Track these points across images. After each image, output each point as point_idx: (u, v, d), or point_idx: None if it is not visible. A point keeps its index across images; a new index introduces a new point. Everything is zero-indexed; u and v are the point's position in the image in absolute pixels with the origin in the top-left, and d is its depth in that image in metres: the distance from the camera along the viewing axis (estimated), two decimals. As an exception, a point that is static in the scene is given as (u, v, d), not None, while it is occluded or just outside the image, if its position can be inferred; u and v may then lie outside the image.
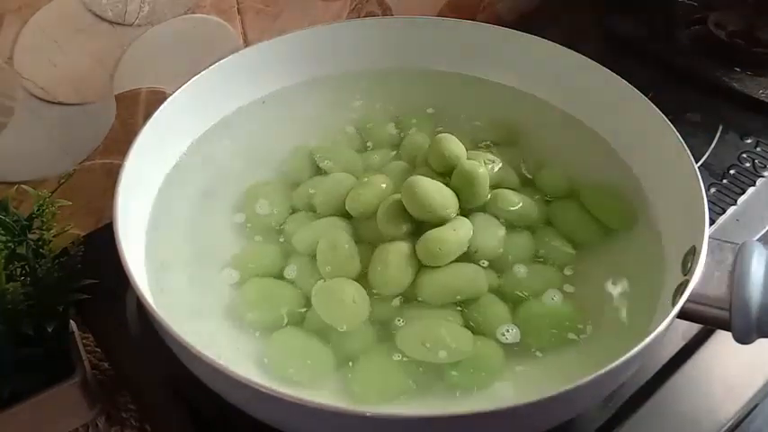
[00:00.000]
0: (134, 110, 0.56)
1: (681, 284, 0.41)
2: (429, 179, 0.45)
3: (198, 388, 0.39)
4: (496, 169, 0.50)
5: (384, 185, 0.47)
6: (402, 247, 0.44)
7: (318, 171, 0.52)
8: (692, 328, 0.48)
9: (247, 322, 0.43)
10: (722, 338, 0.47)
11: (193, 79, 0.52)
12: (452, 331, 0.41)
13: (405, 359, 0.41)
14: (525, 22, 0.73)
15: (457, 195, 0.46)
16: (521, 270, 0.45)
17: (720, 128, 0.63)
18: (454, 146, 0.48)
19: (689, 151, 0.45)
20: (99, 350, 0.52)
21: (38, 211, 0.44)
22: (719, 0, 0.75)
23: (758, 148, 0.61)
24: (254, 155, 0.54)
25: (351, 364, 0.41)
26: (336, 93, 0.58)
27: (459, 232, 0.44)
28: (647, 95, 0.50)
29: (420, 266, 0.44)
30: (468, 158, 0.49)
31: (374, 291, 0.44)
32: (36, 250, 0.44)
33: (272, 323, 0.43)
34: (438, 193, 0.44)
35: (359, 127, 0.56)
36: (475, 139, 0.54)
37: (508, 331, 0.42)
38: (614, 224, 0.48)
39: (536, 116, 0.56)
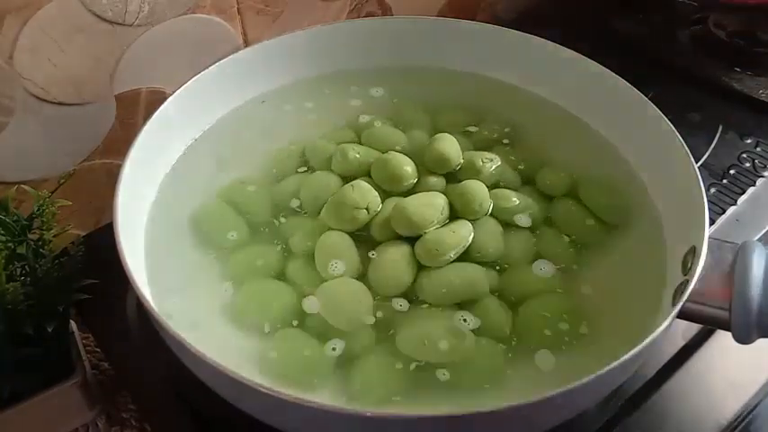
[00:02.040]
0: (134, 110, 0.56)
1: (681, 284, 0.41)
2: (418, 198, 0.45)
3: (198, 388, 0.39)
4: (494, 167, 0.50)
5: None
6: (402, 248, 0.44)
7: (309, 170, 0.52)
8: (692, 328, 0.48)
9: (246, 323, 0.43)
10: (722, 338, 0.47)
11: (193, 79, 0.52)
12: (453, 332, 0.41)
13: (405, 359, 0.41)
14: (525, 22, 0.72)
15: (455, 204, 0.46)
16: (521, 270, 0.45)
17: (720, 128, 0.63)
18: (449, 147, 0.48)
19: (689, 151, 0.45)
20: (99, 350, 0.52)
21: (38, 211, 0.44)
22: (719, 0, 0.75)
23: (758, 148, 0.61)
24: (253, 154, 0.54)
25: (351, 364, 0.41)
26: (336, 92, 0.58)
27: (457, 234, 0.44)
28: (647, 95, 0.50)
29: (420, 267, 0.44)
30: (465, 158, 0.49)
31: (374, 291, 0.43)
32: (36, 250, 0.44)
33: (272, 324, 0.43)
34: (429, 209, 0.44)
35: (358, 126, 0.56)
36: (475, 138, 0.54)
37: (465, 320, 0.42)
38: (610, 219, 0.48)
39: (536, 115, 0.56)
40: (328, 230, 0.46)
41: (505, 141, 0.54)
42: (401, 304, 0.43)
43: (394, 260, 0.44)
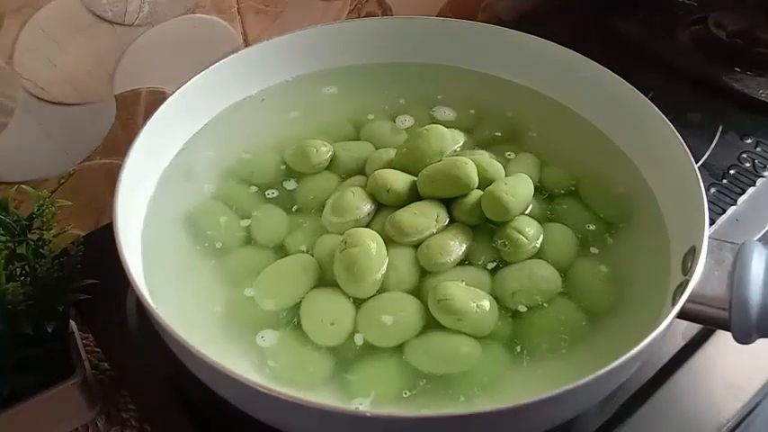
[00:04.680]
0: (134, 110, 0.56)
1: (681, 284, 0.41)
2: (411, 208, 0.45)
3: (197, 388, 0.39)
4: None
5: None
6: (405, 252, 0.44)
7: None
8: (692, 328, 0.48)
9: (247, 321, 0.43)
10: (722, 338, 0.47)
11: (193, 79, 0.52)
12: (458, 338, 0.41)
13: (406, 361, 0.41)
14: (525, 22, 0.73)
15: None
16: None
17: (720, 128, 0.63)
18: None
19: (689, 151, 0.45)
20: (99, 350, 0.52)
21: (38, 211, 0.44)
22: (719, 0, 0.75)
23: (758, 148, 0.61)
24: (253, 153, 0.53)
25: (351, 365, 0.41)
26: (336, 91, 0.58)
27: (457, 238, 0.44)
28: (647, 95, 0.50)
29: (423, 272, 0.44)
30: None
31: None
32: (36, 250, 0.44)
33: (273, 321, 0.43)
34: (421, 218, 0.44)
35: (358, 125, 0.56)
36: (475, 136, 0.54)
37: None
38: (611, 217, 0.48)
39: (537, 115, 0.56)
40: (327, 233, 0.46)
41: (506, 140, 0.54)
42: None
43: (399, 264, 0.44)
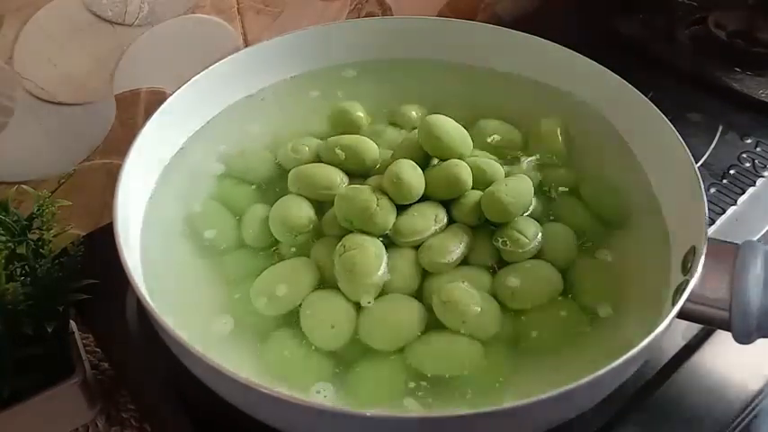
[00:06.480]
0: (134, 110, 0.56)
1: (681, 284, 0.41)
2: (409, 209, 0.45)
3: (197, 388, 0.39)
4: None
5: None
6: (406, 254, 0.44)
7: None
8: (692, 328, 0.48)
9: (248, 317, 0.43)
10: (722, 338, 0.47)
11: (193, 79, 0.52)
12: (459, 340, 0.41)
13: (407, 363, 0.41)
14: (525, 23, 0.73)
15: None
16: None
17: (720, 128, 0.63)
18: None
19: (689, 151, 0.45)
20: (99, 350, 0.52)
21: (38, 211, 0.44)
22: (719, 0, 0.75)
23: (758, 148, 0.61)
24: (252, 153, 0.53)
25: (351, 365, 0.41)
26: (335, 91, 0.58)
27: (459, 238, 0.44)
28: (647, 95, 0.50)
29: (424, 273, 0.44)
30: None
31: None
32: (36, 250, 0.44)
33: (272, 322, 0.43)
34: (420, 219, 0.44)
35: (358, 125, 0.55)
36: (475, 135, 0.54)
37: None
38: (611, 217, 0.48)
39: (536, 115, 0.56)
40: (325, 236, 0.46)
41: (506, 139, 0.54)
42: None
43: (401, 266, 0.43)
